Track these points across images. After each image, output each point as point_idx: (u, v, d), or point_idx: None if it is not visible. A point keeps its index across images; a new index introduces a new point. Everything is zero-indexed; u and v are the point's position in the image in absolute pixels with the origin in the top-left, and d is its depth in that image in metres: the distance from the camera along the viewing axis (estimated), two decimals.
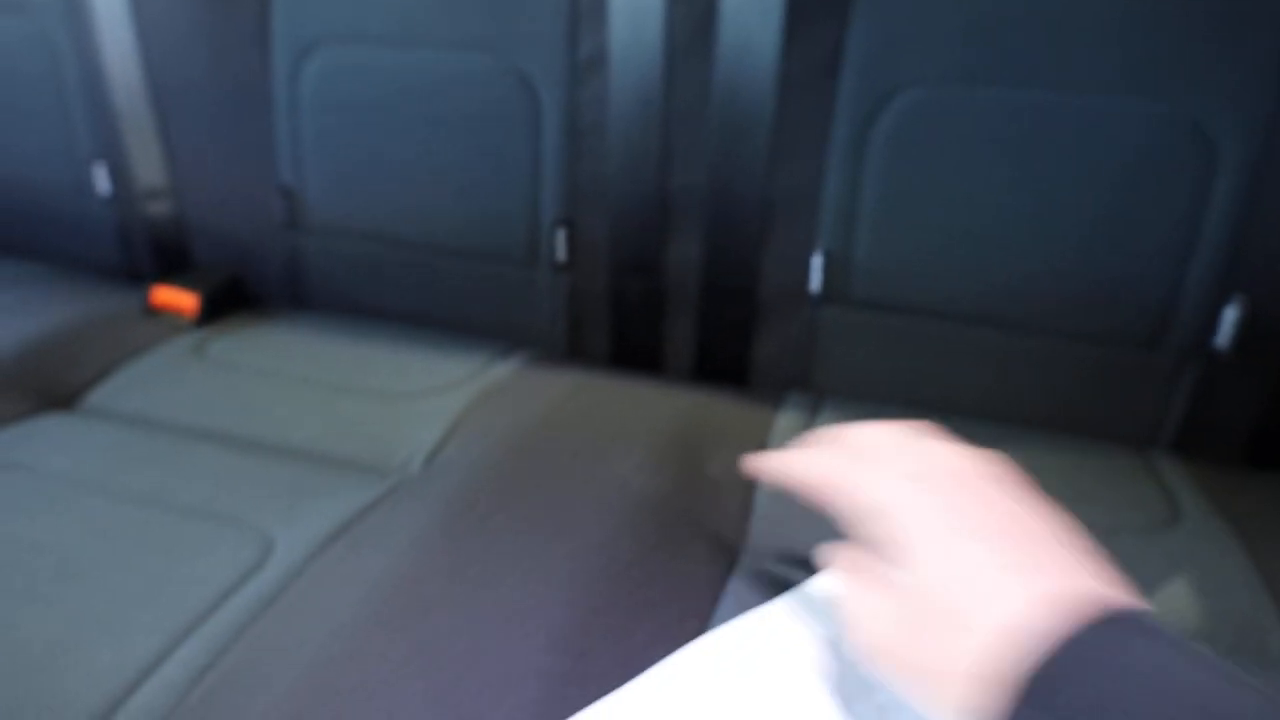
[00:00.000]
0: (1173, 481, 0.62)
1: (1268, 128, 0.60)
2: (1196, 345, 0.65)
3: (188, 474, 0.58)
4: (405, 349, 0.79)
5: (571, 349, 0.83)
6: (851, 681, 0.39)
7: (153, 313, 0.82)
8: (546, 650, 0.42)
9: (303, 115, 0.82)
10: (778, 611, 0.44)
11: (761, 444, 0.64)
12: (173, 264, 0.93)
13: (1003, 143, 0.64)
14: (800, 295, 0.73)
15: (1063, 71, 0.62)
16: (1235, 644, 0.48)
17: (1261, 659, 0.47)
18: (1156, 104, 0.61)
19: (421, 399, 0.69)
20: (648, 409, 0.68)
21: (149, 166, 0.91)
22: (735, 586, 0.48)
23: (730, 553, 0.53)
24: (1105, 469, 0.63)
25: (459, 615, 0.44)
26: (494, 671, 0.41)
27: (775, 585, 0.47)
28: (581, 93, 0.74)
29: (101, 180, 0.93)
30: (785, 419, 0.68)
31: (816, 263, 0.71)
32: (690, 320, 0.78)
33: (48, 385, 0.69)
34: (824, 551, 0.38)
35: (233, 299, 0.87)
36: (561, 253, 0.79)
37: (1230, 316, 0.64)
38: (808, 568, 0.52)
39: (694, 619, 0.45)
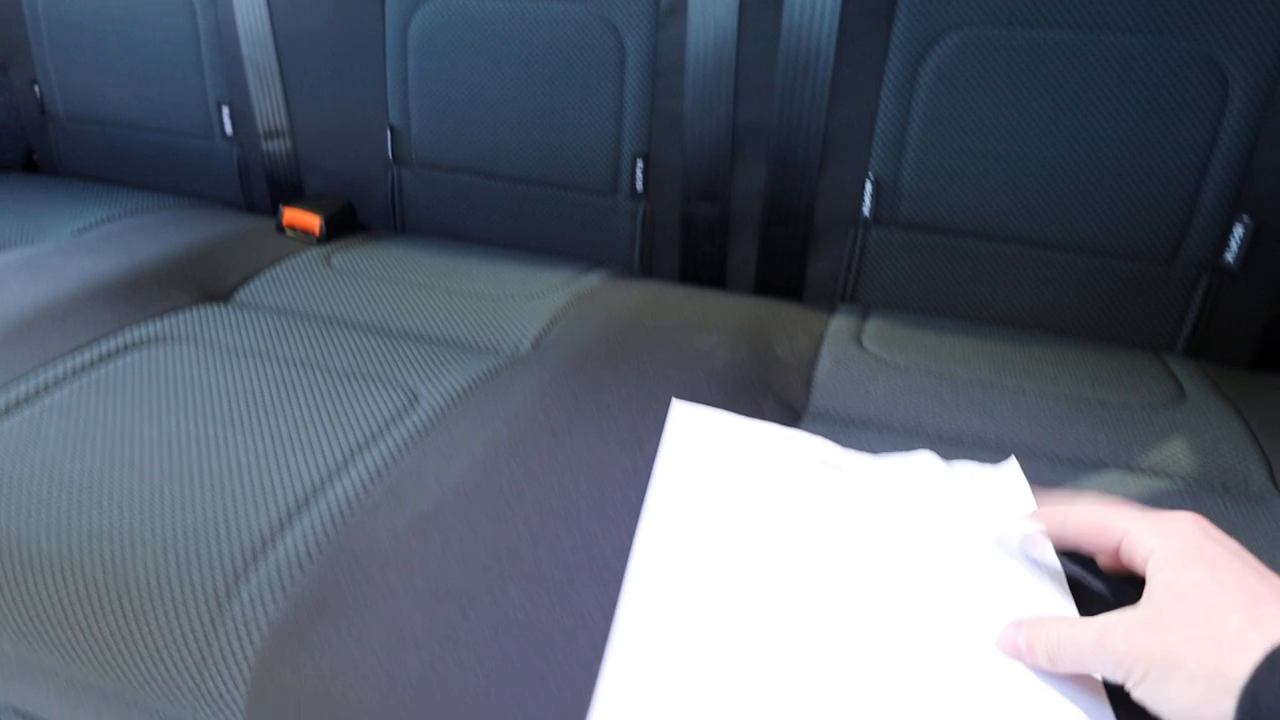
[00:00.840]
0: (1182, 374, 0.71)
1: (1276, 64, 0.68)
2: (1208, 260, 0.74)
3: (334, 349, 0.69)
4: (500, 265, 0.90)
5: (645, 269, 0.93)
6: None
7: (282, 231, 0.94)
8: (648, 467, 0.52)
9: (410, 60, 0.93)
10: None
11: (819, 337, 0.74)
12: (287, 198, 1.05)
13: (1038, 78, 0.73)
14: (852, 218, 0.83)
15: (1092, 13, 0.71)
16: (1223, 484, 0.57)
17: (1245, 496, 0.56)
18: (1176, 41, 0.69)
19: (521, 300, 0.80)
20: (721, 308, 0.78)
21: (269, 109, 1.03)
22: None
23: (794, 413, 0.63)
24: (1122, 364, 0.72)
25: (578, 440, 0.55)
26: (607, 479, 0.51)
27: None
28: (662, 37, 0.84)
29: (226, 122, 1.05)
30: (838, 321, 0.78)
31: (868, 189, 0.81)
32: (752, 242, 0.88)
33: (204, 284, 0.81)
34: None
35: (348, 223, 0.99)
36: (639, 182, 0.89)
37: (1238, 234, 0.72)
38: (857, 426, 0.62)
39: None
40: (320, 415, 0.59)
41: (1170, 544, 0.36)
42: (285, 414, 0.59)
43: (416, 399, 0.62)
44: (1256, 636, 0.31)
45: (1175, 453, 0.59)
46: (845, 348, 0.72)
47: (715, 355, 0.66)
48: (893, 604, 0.42)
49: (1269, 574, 0.35)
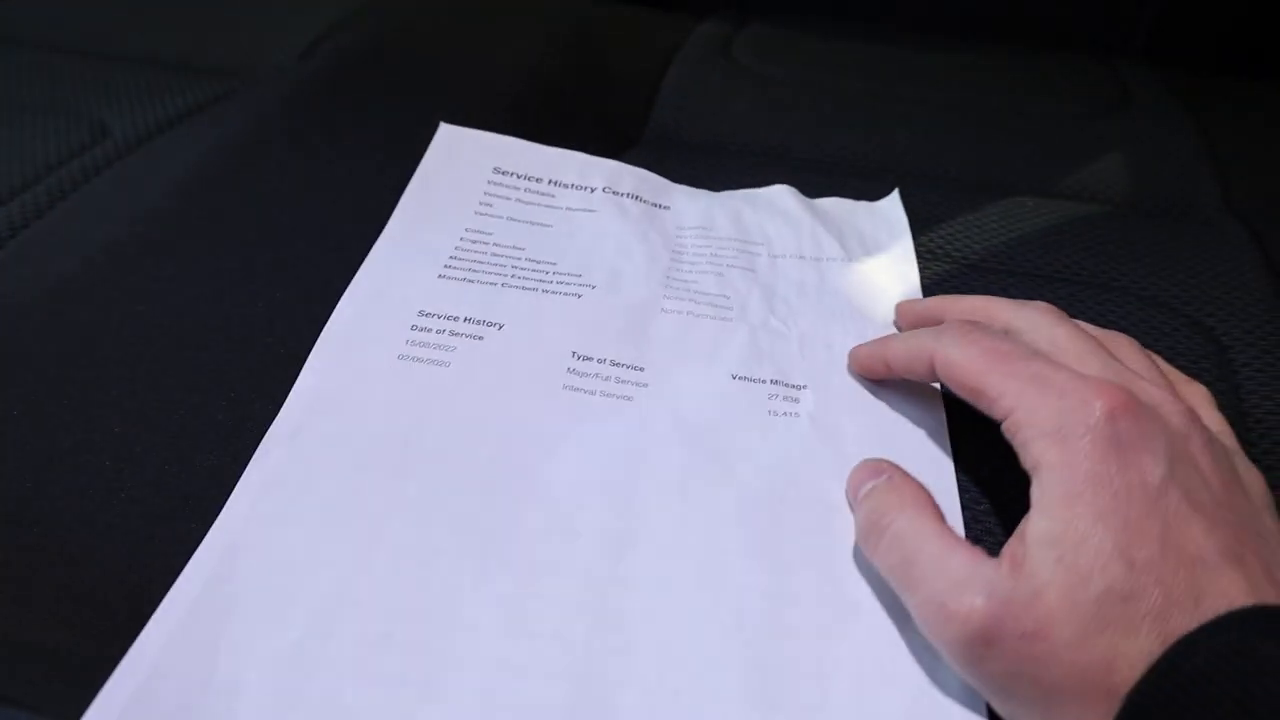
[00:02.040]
0: (1131, 79, 0.56)
1: None
2: None
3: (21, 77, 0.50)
4: None
5: None
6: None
7: None
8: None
9: None
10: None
11: (672, 46, 0.56)
12: None
13: None
14: None
15: None
16: (1168, 205, 0.44)
17: (1189, 216, 0.43)
18: None
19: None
20: (553, 9, 0.59)
21: None
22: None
23: (623, 139, 0.48)
24: (1055, 68, 0.57)
25: (302, 184, 0.39)
26: (329, 238, 0.36)
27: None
28: None
29: None
30: (705, 27, 0.60)
31: None
32: None
33: None
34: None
35: None
36: None
37: None
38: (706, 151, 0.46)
39: None
40: None
41: (1070, 469, 0.22)
42: None
43: (106, 133, 0.44)
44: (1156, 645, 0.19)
45: (1107, 170, 0.45)
46: (706, 58, 0.55)
47: (528, 69, 0.49)
48: (667, 448, 0.29)
49: (1227, 512, 0.22)
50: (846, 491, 0.27)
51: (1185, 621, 0.19)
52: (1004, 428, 0.24)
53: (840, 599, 0.25)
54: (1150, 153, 0.47)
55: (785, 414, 0.30)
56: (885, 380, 0.31)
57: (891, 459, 0.28)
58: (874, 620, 0.25)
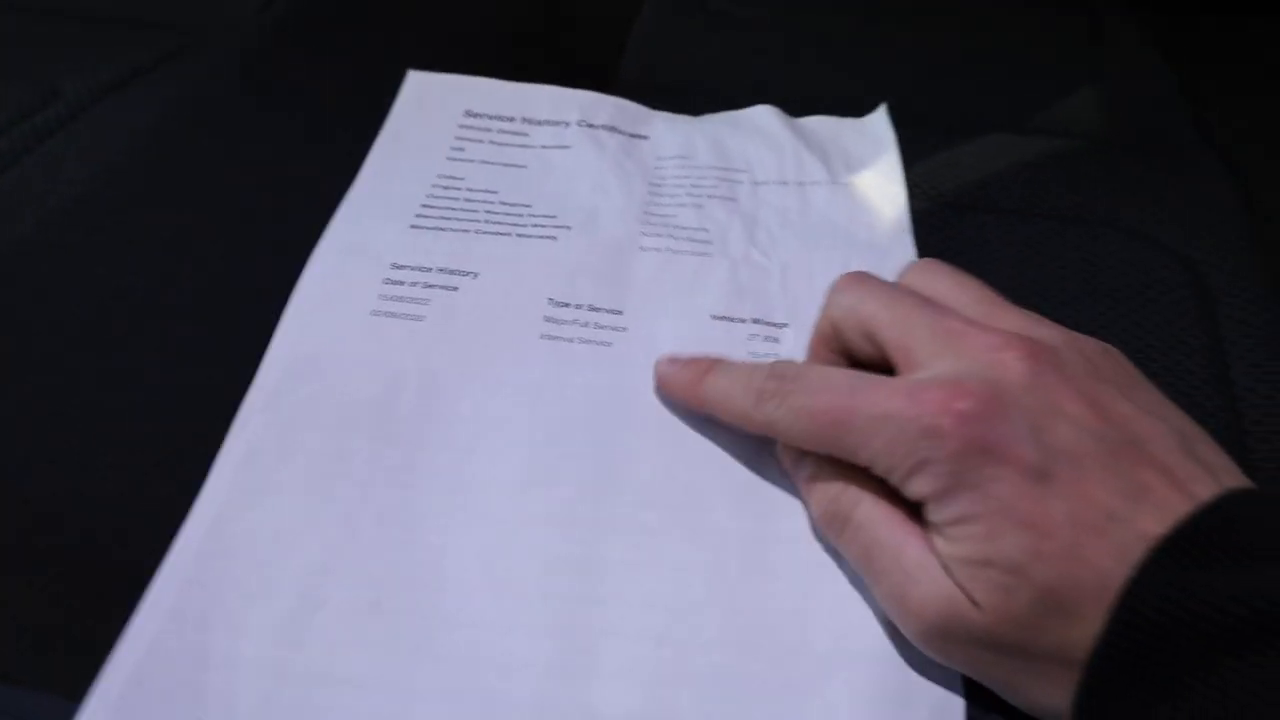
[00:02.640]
0: (1105, 17, 0.53)
1: None
2: None
3: None
4: None
5: None
6: None
7: None
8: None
9: None
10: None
11: None
12: None
13: None
14: None
15: None
16: (1143, 138, 0.43)
17: (1165, 149, 0.42)
18: None
19: None
20: None
21: None
22: None
23: (597, 83, 0.46)
24: (1038, 7, 0.54)
25: (260, 138, 0.38)
26: (288, 199, 0.35)
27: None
28: None
29: None
30: None
31: None
32: None
33: None
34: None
35: None
36: None
37: None
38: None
39: None
40: None
41: (946, 503, 0.21)
42: None
43: (56, 94, 0.43)
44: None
45: (1082, 105, 0.44)
46: (678, 1, 0.53)
47: (493, 16, 0.47)
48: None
49: (1117, 455, 0.20)
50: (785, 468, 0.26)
51: (1119, 577, 0.19)
52: (877, 472, 0.23)
53: (821, 539, 0.25)
54: (1125, 87, 0.46)
55: (766, 355, 0.30)
56: None
57: None
58: None
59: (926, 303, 0.24)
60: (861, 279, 0.26)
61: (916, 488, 0.21)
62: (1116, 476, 0.20)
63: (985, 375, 0.21)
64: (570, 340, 0.30)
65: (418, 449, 0.27)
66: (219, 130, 0.38)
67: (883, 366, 0.24)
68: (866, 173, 0.37)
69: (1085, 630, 0.19)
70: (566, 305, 0.31)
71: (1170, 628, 0.18)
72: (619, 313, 0.31)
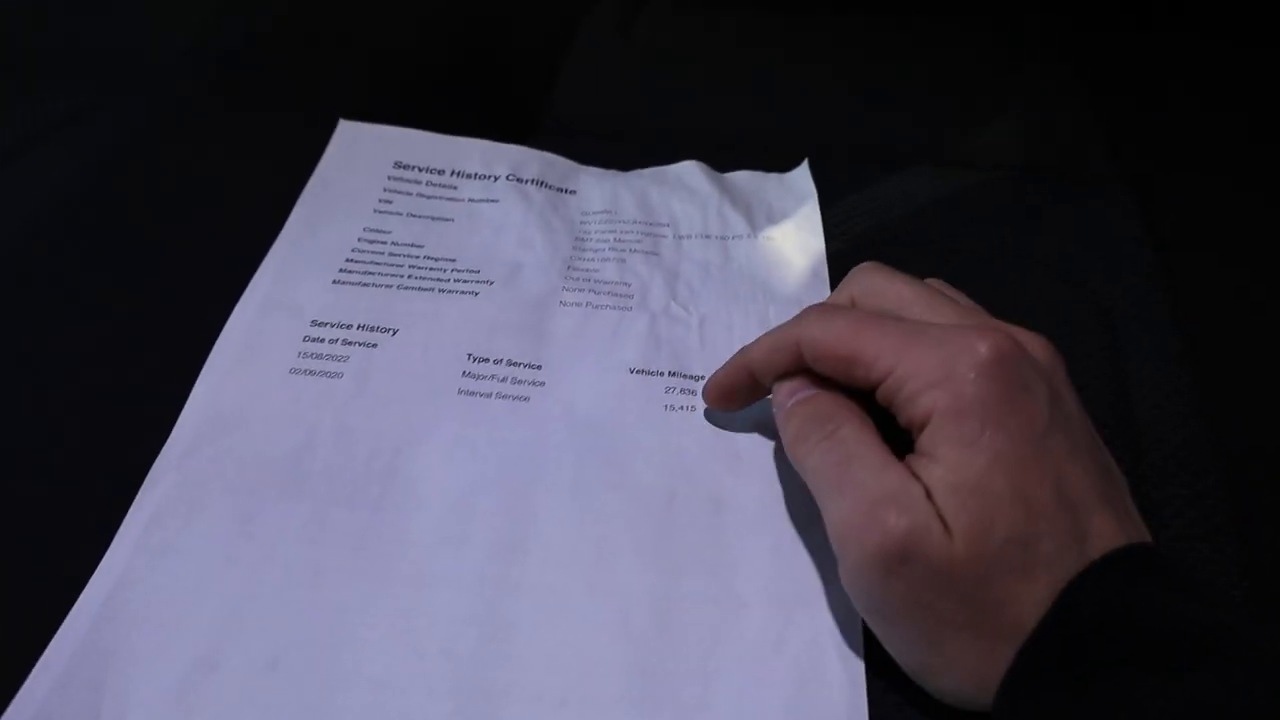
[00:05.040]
0: (1021, 38, 0.55)
1: None
2: None
3: None
4: None
5: None
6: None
7: None
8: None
9: None
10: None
11: (574, 26, 0.55)
12: None
13: None
14: None
15: None
16: (1062, 167, 0.44)
17: (1083, 178, 0.43)
18: None
19: None
20: None
21: None
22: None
23: (525, 125, 0.47)
24: (948, 28, 0.55)
25: (182, 193, 0.38)
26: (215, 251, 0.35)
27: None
28: None
29: None
30: (601, 7, 0.58)
31: None
32: None
33: None
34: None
35: None
36: None
37: None
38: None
39: None
40: None
41: (964, 414, 0.21)
42: None
43: None
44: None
45: (1001, 134, 0.45)
46: (605, 38, 0.54)
47: (417, 56, 0.48)
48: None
49: (1093, 452, 0.23)
50: (774, 399, 0.26)
51: (1072, 565, 0.20)
52: (883, 390, 0.23)
53: (727, 597, 0.25)
54: (1042, 114, 0.47)
55: (681, 408, 0.30)
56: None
57: (782, 454, 0.28)
58: (760, 617, 0.25)
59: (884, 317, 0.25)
60: (814, 309, 0.26)
61: (933, 400, 0.22)
62: (1093, 478, 0.22)
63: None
64: (488, 395, 0.30)
65: (328, 505, 0.27)
66: (137, 182, 0.38)
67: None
68: (788, 225, 0.37)
69: (1031, 593, 0.20)
70: (485, 360, 0.31)
71: (1115, 625, 0.19)
72: (538, 367, 0.31)
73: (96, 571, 0.25)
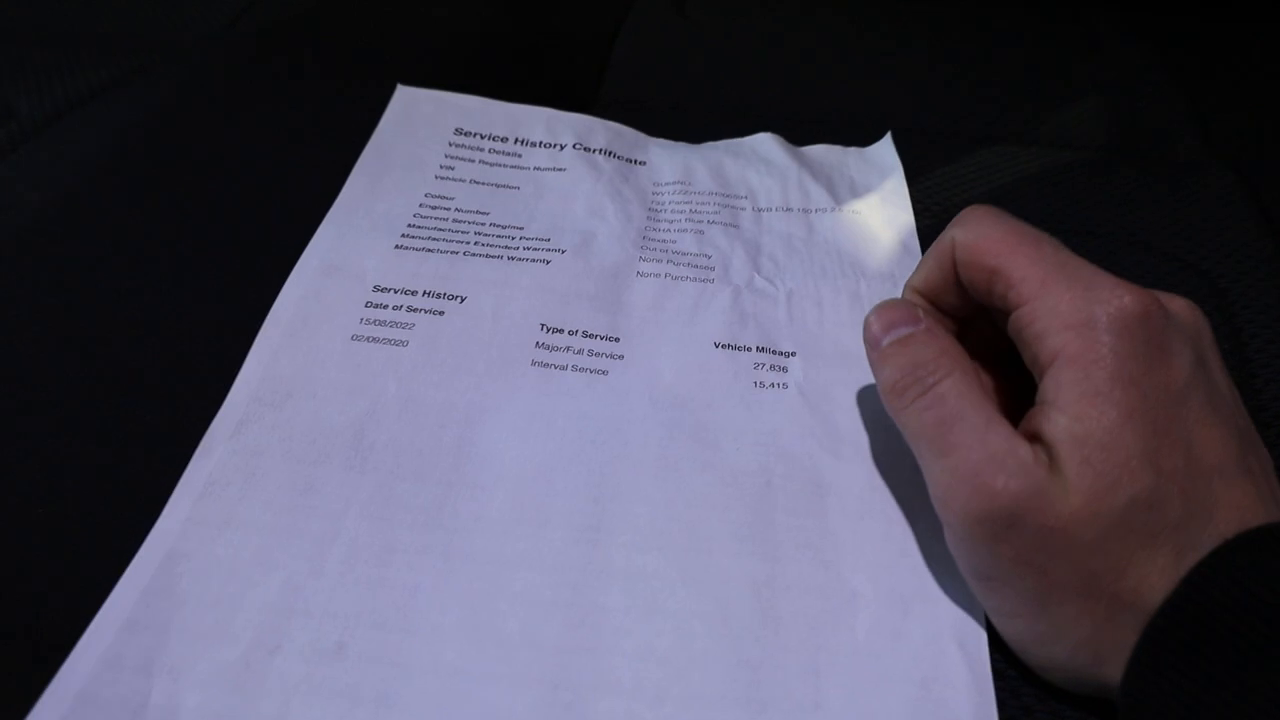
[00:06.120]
0: (1099, 22, 0.52)
1: None
2: None
3: None
4: None
5: None
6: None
7: None
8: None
9: None
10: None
11: (624, 4, 0.53)
12: None
13: None
14: None
15: None
16: (1147, 148, 0.42)
17: (1171, 159, 0.41)
18: None
19: None
20: None
21: None
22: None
23: (578, 102, 0.45)
24: (1020, 12, 0.53)
25: (232, 156, 0.36)
26: (271, 214, 0.33)
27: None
28: None
29: None
30: None
31: None
32: None
33: None
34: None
35: None
36: None
37: None
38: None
39: None
40: None
41: (1097, 364, 0.19)
42: None
43: (11, 114, 0.41)
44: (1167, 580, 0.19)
45: (1083, 116, 0.43)
46: (658, 15, 0.52)
47: (468, 33, 0.46)
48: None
49: (1234, 421, 0.20)
50: (866, 335, 0.24)
51: (1200, 535, 0.19)
52: (1016, 317, 0.21)
53: (837, 587, 0.23)
54: (1125, 96, 0.45)
55: (773, 385, 0.28)
56: None
57: (887, 432, 0.26)
58: (874, 610, 0.23)
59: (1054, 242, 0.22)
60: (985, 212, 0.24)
61: (1064, 342, 0.20)
62: (1235, 445, 0.20)
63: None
64: (563, 368, 0.28)
65: (395, 480, 0.25)
66: (185, 148, 0.36)
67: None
68: (873, 199, 0.35)
69: (1156, 560, 0.18)
70: (560, 331, 0.29)
71: (1252, 610, 0.17)
72: (615, 340, 0.29)
73: (144, 544, 0.23)
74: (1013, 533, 0.19)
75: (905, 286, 0.25)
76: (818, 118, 0.42)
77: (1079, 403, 0.19)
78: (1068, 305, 0.20)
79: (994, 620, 0.21)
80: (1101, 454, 0.19)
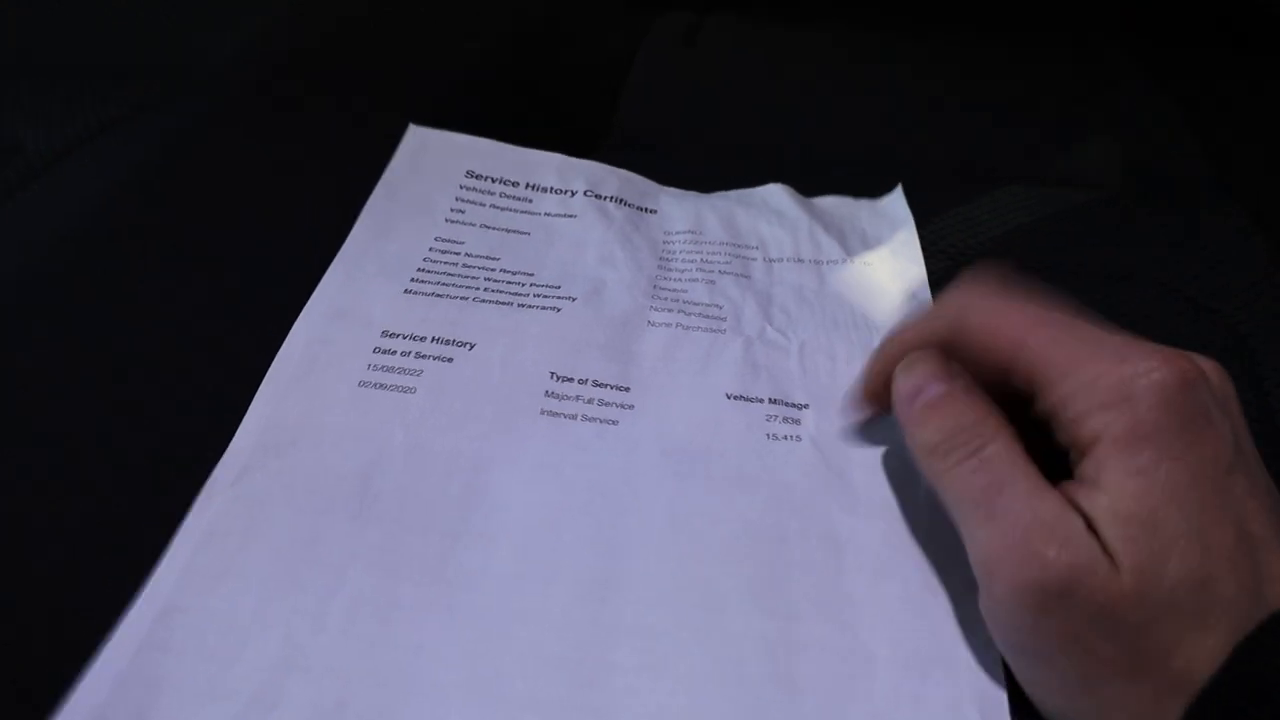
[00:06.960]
0: (1107, 58, 0.53)
1: None
2: None
3: None
4: None
5: None
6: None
7: None
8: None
9: None
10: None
11: (634, 37, 0.53)
12: None
13: None
14: None
15: None
16: (1161, 187, 0.42)
17: (1187, 197, 0.41)
18: None
19: None
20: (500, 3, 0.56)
21: None
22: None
23: (589, 138, 0.45)
24: (1031, 49, 0.54)
25: (238, 194, 0.36)
26: (284, 255, 0.33)
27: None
28: None
29: None
30: (667, 17, 0.57)
31: None
32: None
33: None
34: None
35: None
36: None
37: None
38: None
39: None
40: None
41: (1141, 442, 0.19)
42: None
43: (18, 150, 0.41)
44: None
45: (1095, 154, 0.43)
46: (669, 49, 0.52)
47: (479, 67, 0.46)
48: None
49: (1269, 488, 0.20)
50: (896, 390, 0.23)
51: (1251, 610, 0.18)
52: (1049, 400, 0.21)
53: (854, 649, 0.22)
54: (1139, 133, 0.45)
55: (785, 437, 0.27)
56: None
57: (903, 489, 0.25)
58: (892, 674, 0.22)
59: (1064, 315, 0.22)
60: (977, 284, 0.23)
61: (1104, 423, 0.19)
62: (1273, 515, 0.19)
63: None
64: (573, 417, 0.28)
65: (400, 531, 0.24)
66: (194, 186, 0.36)
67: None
68: (884, 251, 0.35)
69: (1206, 641, 0.18)
70: (570, 380, 0.29)
71: None
72: (626, 389, 0.29)
73: (141, 595, 0.22)
74: (1062, 606, 0.18)
75: (904, 339, 0.25)
76: (829, 152, 0.43)
77: (1122, 481, 0.19)
78: (1104, 384, 0.20)
79: (1029, 693, 0.21)
80: (1147, 533, 0.18)
